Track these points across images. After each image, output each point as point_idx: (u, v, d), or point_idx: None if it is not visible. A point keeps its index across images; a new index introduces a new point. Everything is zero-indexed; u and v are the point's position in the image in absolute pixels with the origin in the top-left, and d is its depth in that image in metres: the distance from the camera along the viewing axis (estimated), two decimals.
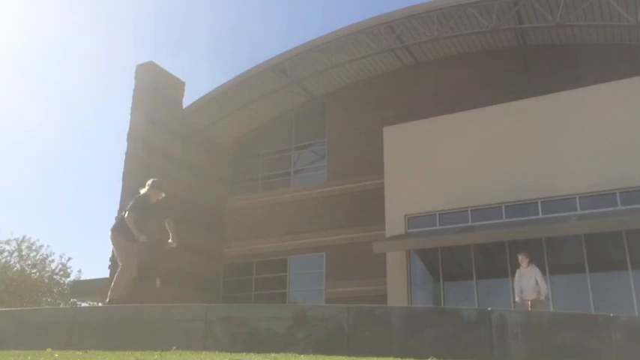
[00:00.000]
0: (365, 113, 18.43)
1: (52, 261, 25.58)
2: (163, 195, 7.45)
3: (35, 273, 24.93)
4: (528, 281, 9.89)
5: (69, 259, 27.44)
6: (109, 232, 7.21)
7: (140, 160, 17.03)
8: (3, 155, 47.78)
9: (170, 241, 7.30)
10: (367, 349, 5.25)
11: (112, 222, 7.42)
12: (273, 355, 4.98)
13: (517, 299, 10.04)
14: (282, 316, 6.06)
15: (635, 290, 12.58)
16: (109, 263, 16.55)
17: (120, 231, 7.12)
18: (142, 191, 7.36)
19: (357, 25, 16.75)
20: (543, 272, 11.17)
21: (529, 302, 9.85)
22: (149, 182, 7.41)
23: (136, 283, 7.25)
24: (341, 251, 17.27)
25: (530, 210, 14.41)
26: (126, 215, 7.06)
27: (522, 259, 10.10)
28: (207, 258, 18.71)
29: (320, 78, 18.87)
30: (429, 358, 4.64)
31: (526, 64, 16.57)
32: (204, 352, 5.15)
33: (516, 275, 10.19)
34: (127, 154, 17.31)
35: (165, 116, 18.22)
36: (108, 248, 16.70)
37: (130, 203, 7.25)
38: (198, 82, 57.93)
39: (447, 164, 15.49)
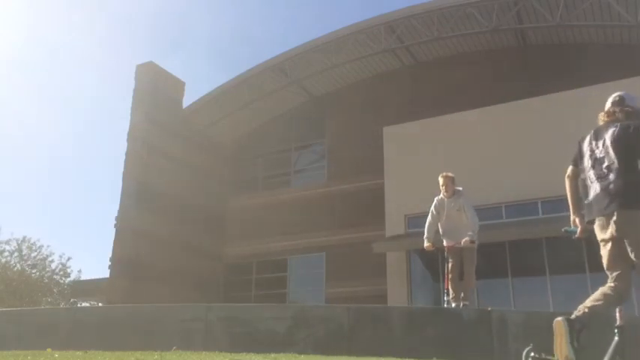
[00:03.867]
0: (365, 113, 18.41)
1: (52, 261, 25.55)
2: None
3: (35, 273, 24.89)
4: (457, 216, 6.77)
5: (69, 259, 27.27)
6: (621, 209, 3.30)
7: (140, 160, 17.01)
8: (3, 155, 47.80)
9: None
10: (367, 349, 5.24)
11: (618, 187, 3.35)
12: (273, 355, 4.98)
13: (427, 244, 6.79)
14: (282, 316, 6.06)
15: (635, 290, 12.56)
16: (109, 263, 16.55)
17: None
18: None
19: (357, 25, 16.76)
20: (543, 272, 11.10)
21: (454, 247, 6.65)
22: None
23: None
24: (341, 251, 17.26)
25: (530, 210, 14.40)
26: None
27: (446, 182, 6.96)
28: (208, 258, 18.70)
29: (320, 78, 18.87)
30: (429, 358, 4.64)
31: (526, 64, 16.57)
32: (204, 352, 5.15)
33: (434, 206, 7.05)
34: (127, 154, 17.30)
35: (166, 116, 18.21)
36: (108, 248, 16.62)
37: None
38: (198, 82, 57.86)
39: (446, 164, 15.42)
